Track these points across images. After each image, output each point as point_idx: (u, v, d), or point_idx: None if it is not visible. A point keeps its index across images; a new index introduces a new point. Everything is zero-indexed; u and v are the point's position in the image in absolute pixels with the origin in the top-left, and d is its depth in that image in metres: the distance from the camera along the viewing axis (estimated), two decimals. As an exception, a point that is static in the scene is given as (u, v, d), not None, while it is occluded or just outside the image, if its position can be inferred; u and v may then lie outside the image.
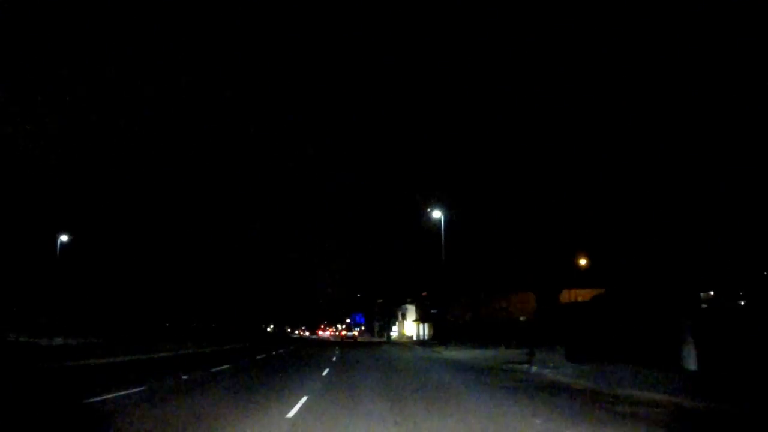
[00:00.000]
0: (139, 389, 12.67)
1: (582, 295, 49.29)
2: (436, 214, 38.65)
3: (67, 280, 47.81)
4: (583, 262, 53.26)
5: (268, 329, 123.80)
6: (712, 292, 26.97)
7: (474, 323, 51.56)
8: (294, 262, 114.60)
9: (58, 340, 35.62)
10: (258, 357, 27.05)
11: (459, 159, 43.22)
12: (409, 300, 76.88)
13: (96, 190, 52.71)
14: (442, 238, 38.31)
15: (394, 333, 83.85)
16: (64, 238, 45.37)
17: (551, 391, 13.12)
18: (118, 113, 55.64)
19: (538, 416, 9.13)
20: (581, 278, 49.26)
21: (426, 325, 66.80)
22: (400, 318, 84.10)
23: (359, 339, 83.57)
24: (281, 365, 21.73)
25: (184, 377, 15.70)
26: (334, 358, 26.53)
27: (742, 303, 20.40)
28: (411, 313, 76.81)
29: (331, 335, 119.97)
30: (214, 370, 18.18)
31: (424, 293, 67.25)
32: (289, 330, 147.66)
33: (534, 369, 18.40)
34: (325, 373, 17.65)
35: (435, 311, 59.90)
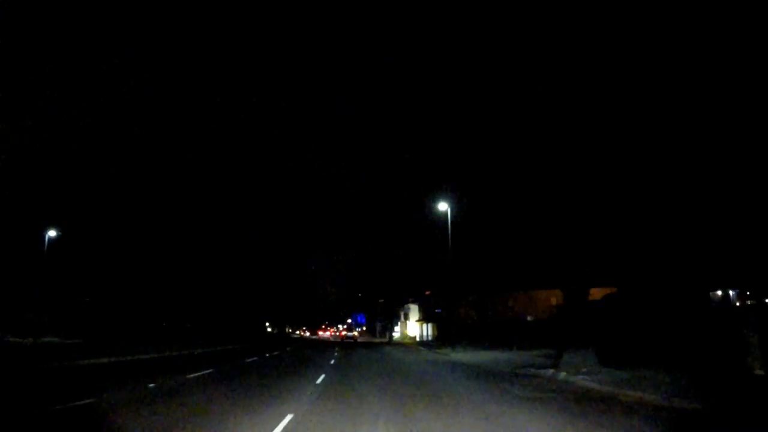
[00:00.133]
0: (88, 401, 10.25)
1: (593, 294, 47.10)
2: (443, 206, 36.05)
3: (57, 277, 46.62)
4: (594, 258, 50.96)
5: (269, 330, 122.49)
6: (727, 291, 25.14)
7: (481, 323, 49.14)
8: (294, 263, 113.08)
9: (43, 340, 33.61)
10: (248, 360, 24.50)
11: (465, 152, 41.71)
12: (411, 299, 75.33)
13: (96, 190, 51.89)
14: (449, 232, 35.73)
15: (397, 333, 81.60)
16: (52, 233, 43.82)
17: (596, 404, 10.60)
18: (118, 113, 54.78)
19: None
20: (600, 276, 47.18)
21: (430, 325, 64.48)
22: (402, 318, 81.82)
23: (359, 339, 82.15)
24: (271, 370, 19.21)
25: (151, 385, 13.22)
26: (332, 362, 24.02)
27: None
28: (414, 312, 74.60)
29: (331, 335, 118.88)
30: (191, 376, 15.65)
31: (428, 292, 65.26)
32: (289, 330, 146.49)
33: (562, 375, 15.87)
34: (319, 380, 15.15)
35: (439, 311, 57.70)
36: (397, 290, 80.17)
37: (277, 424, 8.12)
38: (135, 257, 54.94)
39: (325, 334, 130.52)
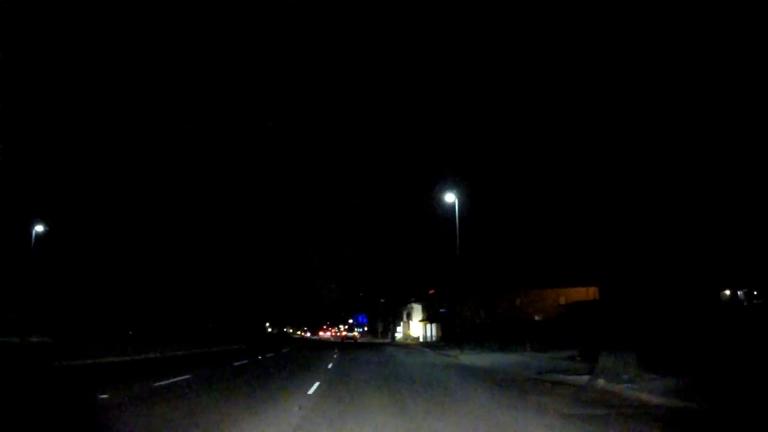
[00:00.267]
0: None
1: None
2: (450, 197, 33.46)
3: (44, 276, 45.34)
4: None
5: (269, 330, 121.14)
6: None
7: (488, 323, 46.71)
8: (294, 263, 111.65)
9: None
10: (236, 363, 21.95)
11: (470, 144, 40.05)
12: (414, 299, 73.24)
13: (95, 190, 51.47)
14: (457, 226, 33.11)
15: (399, 334, 79.23)
16: (39, 228, 41.91)
17: (670, 428, 8.09)
18: (118, 113, 54.47)
19: None
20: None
21: (434, 325, 62.09)
22: (405, 318, 79.43)
23: (360, 340, 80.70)
24: (258, 376, 16.69)
25: (103, 396, 10.74)
26: (330, 365, 21.50)
27: None
28: (417, 312, 72.22)
29: (331, 336, 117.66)
30: (156, 384, 13.09)
31: (431, 291, 62.95)
32: (290, 331, 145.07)
33: (601, 383, 13.35)
34: (312, 390, 12.64)
35: (444, 310, 55.36)
36: (400, 289, 79.06)
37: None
38: (135, 257, 54.53)
39: (326, 334, 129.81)
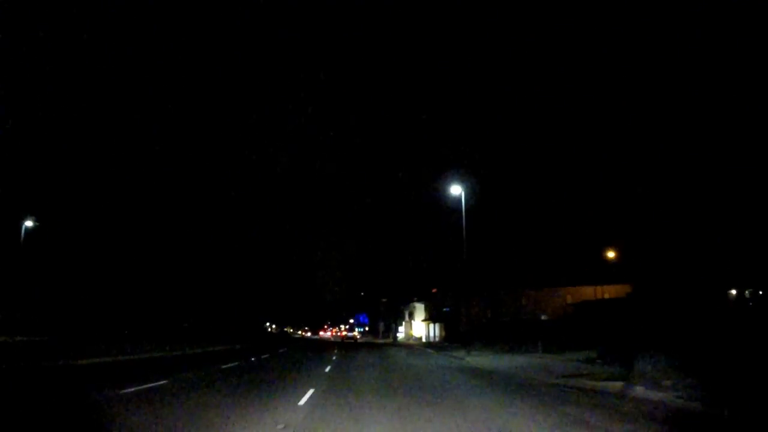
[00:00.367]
0: None
1: (608, 292, 43.05)
2: (456, 189, 31.52)
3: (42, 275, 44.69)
4: (611, 254, 46.84)
5: (270, 330, 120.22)
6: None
7: (494, 323, 45.05)
8: (294, 263, 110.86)
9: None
10: (225, 366, 20.16)
11: (476, 141, 38.92)
12: (416, 298, 71.68)
13: (96, 190, 51.37)
14: (463, 222, 31.14)
15: (401, 334, 77.54)
16: (29, 223, 40.23)
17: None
18: (118, 113, 54.34)
19: None
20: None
21: (437, 325, 60.40)
22: (407, 318, 77.78)
23: (360, 340, 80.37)
24: (247, 381, 14.92)
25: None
26: (328, 368, 19.73)
27: None
28: (419, 312, 70.56)
29: (332, 336, 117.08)
30: (122, 392, 11.28)
31: (434, 290, 61.32)
32: (291, 330, 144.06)
33: (639, 390, 11.58)
34: (304, 399, 10.85)
35: (447, 309, 53.70)
36: (402, 289, 78.11)
37: None
38: (134, 257, 53.91)
39: (326, 334, 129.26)
